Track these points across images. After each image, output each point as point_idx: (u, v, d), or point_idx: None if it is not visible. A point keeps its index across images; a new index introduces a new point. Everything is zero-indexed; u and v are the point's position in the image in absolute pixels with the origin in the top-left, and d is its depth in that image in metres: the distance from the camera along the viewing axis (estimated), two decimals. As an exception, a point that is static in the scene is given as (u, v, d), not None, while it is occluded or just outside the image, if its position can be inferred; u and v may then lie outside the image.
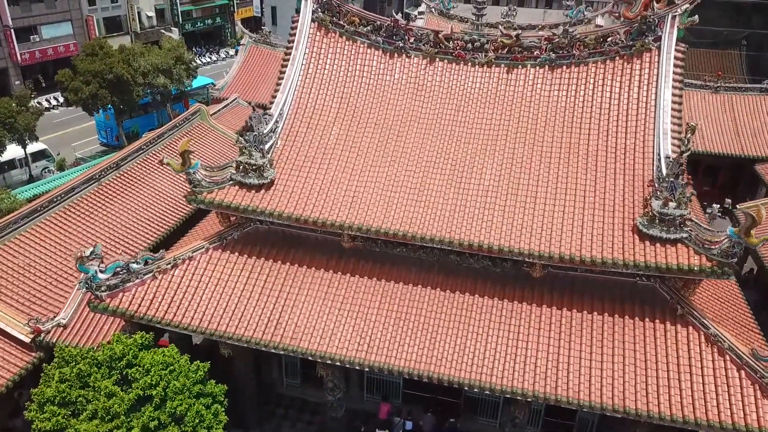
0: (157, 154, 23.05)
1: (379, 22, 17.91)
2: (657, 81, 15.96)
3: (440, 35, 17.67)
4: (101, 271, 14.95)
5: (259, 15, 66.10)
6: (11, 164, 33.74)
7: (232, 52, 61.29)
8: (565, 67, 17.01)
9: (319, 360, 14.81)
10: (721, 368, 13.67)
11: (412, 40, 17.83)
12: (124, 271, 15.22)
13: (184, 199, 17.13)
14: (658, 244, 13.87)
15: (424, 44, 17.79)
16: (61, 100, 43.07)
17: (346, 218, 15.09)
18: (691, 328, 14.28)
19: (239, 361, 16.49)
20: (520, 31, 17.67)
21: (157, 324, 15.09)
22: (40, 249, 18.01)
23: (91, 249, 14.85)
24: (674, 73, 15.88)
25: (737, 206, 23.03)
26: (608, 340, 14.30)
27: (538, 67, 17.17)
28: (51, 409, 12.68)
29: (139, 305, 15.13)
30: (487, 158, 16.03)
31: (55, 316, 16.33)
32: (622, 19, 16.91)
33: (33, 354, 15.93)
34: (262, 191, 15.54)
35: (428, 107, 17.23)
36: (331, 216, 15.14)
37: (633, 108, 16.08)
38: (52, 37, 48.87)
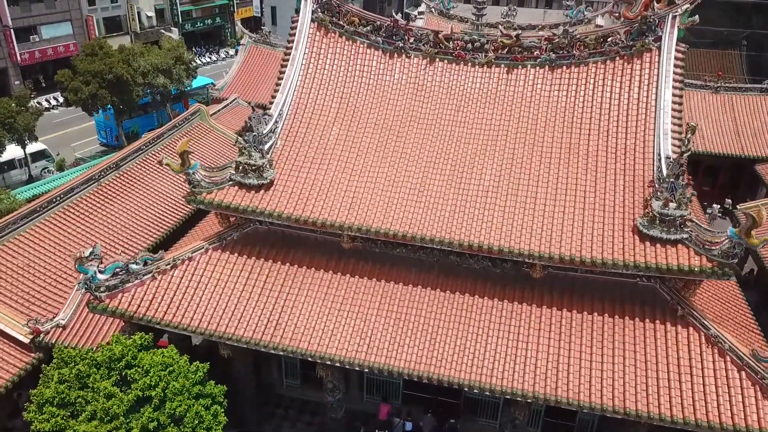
0: (157, 155, 23.00)
1: (378, 22, 17.89)
2: (657, 81, 15.94)
3: (440, 35, 17.64)
4: (100, 272, 14.93)
5: (259, 15, 66.16)
6: (11, 164, 33.75)
7: (231, 52, 61.28)
8: (565, 67, 16.99)
9: (319, 361, 14.79)
10: (721, 369, 13.66)
11: (411, 40, 17.80)
12: (124, 271, 15.21)
13: (183, 200, 17.13)
14: (658, 245, 13.85)
15: (423, 44, 17.76)
16: (61, 100, 43.11)
17: (345, 219, 15.07)
18: (691, 328, 14.26)
19: (239, 361, 16.46)
20: (520, 31, 17.63)
21: (157, 325, 15.08)
22: (39, 249, 17.98)
23: (91, 249, 14.83)
24: (674, 73, 15.86)
25: (737, 207, 23.04)
26: (608, 340, 14.28)
27: (538, 68, 17.15)
28: (50, 410, 12.66)
29: (139, 306, 15.12)
30: (487, 159, 16.00)
31: (54, 317, 16.30)
32: (622, 19, 16.88)
33: (32, 355, 15.91)
34: (262, 192, 15.52)
35: (428, 107, 17.20)
36: (330, 216, 15.11)
37: (633, 108, 16.06)
38: (52, 37, 48.84)
